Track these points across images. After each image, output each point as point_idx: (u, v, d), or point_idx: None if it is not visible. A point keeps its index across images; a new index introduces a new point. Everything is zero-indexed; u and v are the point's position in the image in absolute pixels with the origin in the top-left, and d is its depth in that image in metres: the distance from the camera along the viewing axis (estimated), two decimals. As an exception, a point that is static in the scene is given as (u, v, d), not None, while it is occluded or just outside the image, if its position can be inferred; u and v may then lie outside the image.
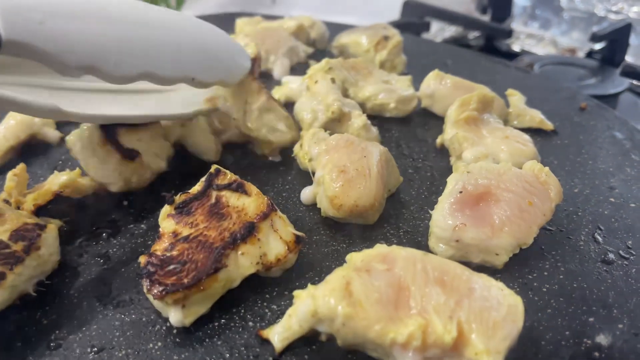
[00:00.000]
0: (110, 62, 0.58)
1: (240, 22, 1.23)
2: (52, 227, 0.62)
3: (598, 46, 1.60)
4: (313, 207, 0.72)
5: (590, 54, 1.64)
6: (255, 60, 0.81)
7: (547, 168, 0.66)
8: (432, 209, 0.69)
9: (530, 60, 1.46)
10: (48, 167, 0.82)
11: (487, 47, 1.73)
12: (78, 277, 0.62)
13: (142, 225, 0.69)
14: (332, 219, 0.69)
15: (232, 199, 0.62)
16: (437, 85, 0.93)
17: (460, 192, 0.64)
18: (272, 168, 0.81)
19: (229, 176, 0.63)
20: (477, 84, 0.93)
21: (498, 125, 0.83)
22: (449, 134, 0.79)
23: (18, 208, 0.66)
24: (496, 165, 0.66)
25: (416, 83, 1.02)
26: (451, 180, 0.66)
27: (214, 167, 0.64)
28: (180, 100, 0.77)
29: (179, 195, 0.62)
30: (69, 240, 0.67)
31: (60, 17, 0.54)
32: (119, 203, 0.73)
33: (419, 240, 0.66)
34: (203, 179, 0.63)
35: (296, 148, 0.79)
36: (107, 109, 0.67)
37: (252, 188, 0.63)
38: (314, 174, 0.73)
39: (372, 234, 0.67)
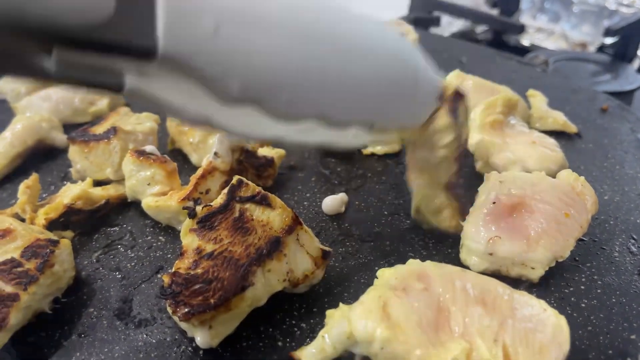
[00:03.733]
0: (282, 98, 0.43)
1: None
2: (66, 242, 0.59)
3: (610, 40, 1.57)
4: (336, 217, 0.70)
5: (601, 49, 1.61)
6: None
7: (582, 178, 0.63)
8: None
9: (542, 55, 1.43)
10: (57, 174, 0.79)
11: (495, 41, 1.71)
12: (96, 293, 0.59)
13: (160, 237, 0.67)
14: (357, 231, 0.67)
15: (256, 212, 0.59)
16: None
17: (494, 202, 0.61)
18: (292, 173, 0.78)
19: (251, 188, 0.61)
20: (499, 85, 0.90)
21: (523, 129, 0.80)
22: (475, 139, 0.77)
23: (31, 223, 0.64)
24: (530, 175, 0.64)
25: (433, 82, 0.99)
26: (483, 190, 0.64)
27: (235, 178, 0.61)
28: None
29: (201, 208, 0.59)
30: (84, 253, 0.64)
31: (239, 23, 0.39)
32: (133, 213, 0.70)
33: (449, 252, 0.64)
34: (225, 190, 0.60)
35: None
36: (267, 129, 0.51)
37: (277, 200, 0.60)
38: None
39: (399, 245, 0.65)
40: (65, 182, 0.77)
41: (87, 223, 0.68)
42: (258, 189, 0.61)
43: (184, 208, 0.62)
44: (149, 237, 0.67)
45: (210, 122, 0.46)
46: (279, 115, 0.45)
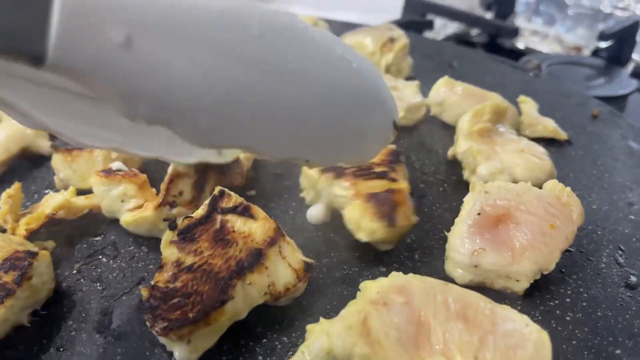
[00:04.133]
0: (201, 124, 0.36)
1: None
2: (45, 254, 0.58)
3: (604, 44, 1.57)
4: (322, 226, 0.69)
5: (596, 52, 1.61)
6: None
7: (568, 188, 0.63)
8: (447, 228, 0.66)
9: (536, 59, 1.42)
10: (42, 182, 0.78)
11: (490, 44, 1.70)
12: (76, 305, 0.58)
13: (143, 247, 0.66)
14: (342, 241, 0.66)
15: (237, 223, 0.58)
16: (447, 93, 0.89)
17: (479, 213, 0.61)
18: (277, 181, 0.78)
19: (234, 199, 0.60)
20: (489, 92, 0.89)
21: (512, 137, 0.80)
22: (462, 147, 0.76)
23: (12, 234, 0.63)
24: (515, 185, 0.63)
25: (423, 87, 0.99)
26: (468, 201, 0.63)
27: (217, 188, 0.60)
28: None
29: (181, 219, 0.58)
30: (65, 264, 0.64)
31: (156, 36, 0.33)
32: (116, 223, 0.69)
33: (434, 263, 0.63)
34: (207, 201, 0.59)
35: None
36: (104, 136, 0.50)
37: (259, 211, 0.59)
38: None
39: (384, 256, 0.64)
40: (49, 191, 0.76)
41: (69, 233, 0.67)
42: (240, 199, 0.60)
43: (164, 220, 0.61)
44: (132, 247, 0.66)
45: (50, 130, 0.44)
46: (195, 142, 0.38)
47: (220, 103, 0.36)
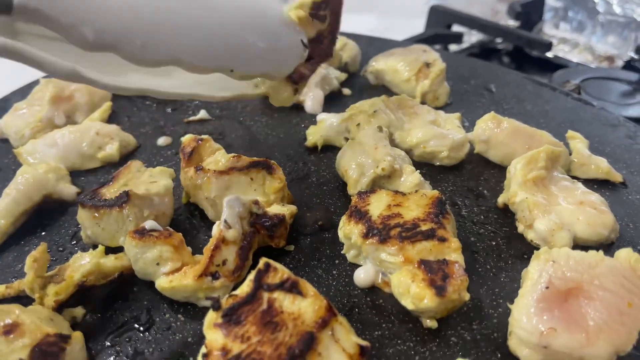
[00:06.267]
0: (136, 43, 0.50)
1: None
2: (78, 336, 0.54)
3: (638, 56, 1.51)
4: (369, 290, 0.64)
5: (629, 63, 1.55)
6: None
7: (645, 260, 0.57)
8: (505, 294, 0.62)
9: (571, 77, 1.36)
10: (66, 232, 0.74)
11: (515, 52, 1.64)
12: (111, 388, 0.54)
13: (179, 315, 0.61)
14: (393, 309, 0.61)
15: (285, 302, 0.53)
16: (493, 130, 0.83)
17: (547, 287, 0.56)
18: (319, 234, 0.73)
19: (280, 273, 0.55)
20: (538, 130, 0.84)
21: (567, 184, 0.74)
22: (517, 198, 0.71)
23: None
24: (586, 255, 0.58)
25: (463, 116, 0.94)
26: (533, 271, 0.58)
27: (262, 261, 0.55)
28: (221, 79, 0.64)
29: (225, 298, 0.53)
30: (97, 336, 0.59)
31: None
32: (149, 285, 0.64)
33: (494, 337, 0.59)
34: (251, 277, 0.55)
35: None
36: (133, 80, 0.59)
37: (308, 288, 0.55)
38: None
39: (441, 327, 0.59)
40: (74, 242, 0.72)
41: (98, 296, 0.63)
42: (287, 274, 0.55)
43: (206, 299, 0.56)
44: (167, 315, 0.61)
45: (80, 75, 0.52)
46: (136, 60, 0.51)
47: (148, 23, 0.51)
